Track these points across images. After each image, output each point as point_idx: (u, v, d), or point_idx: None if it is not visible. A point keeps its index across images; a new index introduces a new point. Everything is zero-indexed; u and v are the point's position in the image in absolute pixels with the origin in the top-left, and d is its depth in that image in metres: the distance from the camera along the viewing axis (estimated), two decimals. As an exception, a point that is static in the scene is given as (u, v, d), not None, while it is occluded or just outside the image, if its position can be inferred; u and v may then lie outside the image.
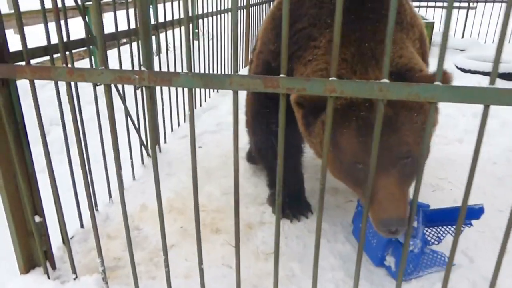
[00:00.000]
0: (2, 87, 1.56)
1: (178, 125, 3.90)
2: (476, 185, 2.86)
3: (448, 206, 2.16)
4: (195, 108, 4.39)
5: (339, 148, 1.63)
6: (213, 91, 4.97)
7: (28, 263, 1.92)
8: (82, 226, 2.34)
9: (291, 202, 2.41)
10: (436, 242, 2.05)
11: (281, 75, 1.29)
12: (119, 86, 2.69)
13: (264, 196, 2.66)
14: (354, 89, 1.25)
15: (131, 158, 2.86)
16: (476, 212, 1.87)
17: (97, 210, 2.49)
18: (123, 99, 2.63)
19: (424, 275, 1.93)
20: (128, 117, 2.73)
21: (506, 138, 3.58)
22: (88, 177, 2.36)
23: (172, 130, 3.75)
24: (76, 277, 1.86)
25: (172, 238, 2.25)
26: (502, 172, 3.05)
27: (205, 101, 4.70)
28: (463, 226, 1.92)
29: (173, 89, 3.90)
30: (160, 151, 3.29)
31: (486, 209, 1.94)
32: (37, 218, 1.88)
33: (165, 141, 3.54)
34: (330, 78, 1.26)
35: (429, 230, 2.04)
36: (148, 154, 3.12)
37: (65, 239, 1.81)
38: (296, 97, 1.67)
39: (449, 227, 2.01)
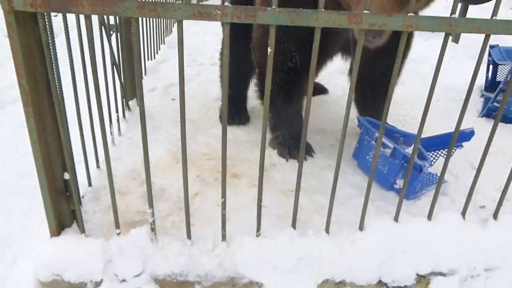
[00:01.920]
0: (40, 19, 1.36)
1: (142, 78, 3.69)
2: (430, 118, 3.33)
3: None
4: (150, 60, 4.16)
5: None
6: (162, 43, 4.72)
7: (59, 225, 1.79)
8: (90, 184, 2.19)
9: (296, 144, 2.54)
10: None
11: (365, 11, 1.38)
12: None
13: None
14: (428, 24, 1.41)
15: (117, 111, 2.69)
16: (467, 135, 2.23)
17: (98, 167, 2.34)
18: (110, 39, 2.41)
19: (426, 192, 2.27)
20: (114, 66, 2.53)
21: (441, 79, 4.12)
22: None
23: (137, 83, 3.53)
24: (120, 232, 1.80)
25: (193, 187, 2.24)
26: (446, 107, 3.57)
27: (157, 53, 4.46)
28: (455, 148, 2.28)
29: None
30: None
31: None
32: (66, 175, 1.75)
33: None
34: (409, 14, 1.40)
35: (424, 155, 2.38)
36: (128, 108, 2.94)
37: (111, 193, 1.72)
38: None
39: (441, 151, 2.36)
